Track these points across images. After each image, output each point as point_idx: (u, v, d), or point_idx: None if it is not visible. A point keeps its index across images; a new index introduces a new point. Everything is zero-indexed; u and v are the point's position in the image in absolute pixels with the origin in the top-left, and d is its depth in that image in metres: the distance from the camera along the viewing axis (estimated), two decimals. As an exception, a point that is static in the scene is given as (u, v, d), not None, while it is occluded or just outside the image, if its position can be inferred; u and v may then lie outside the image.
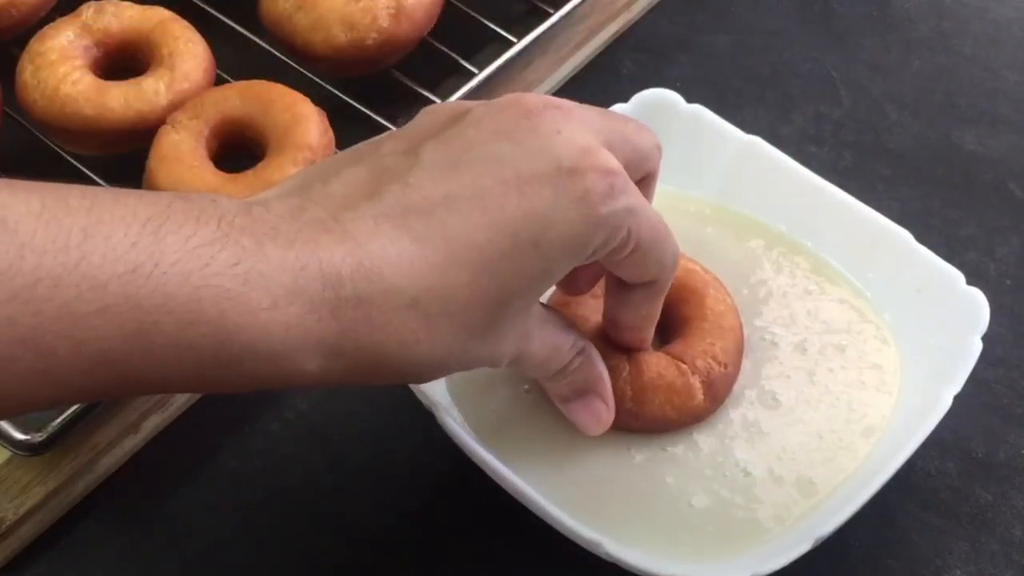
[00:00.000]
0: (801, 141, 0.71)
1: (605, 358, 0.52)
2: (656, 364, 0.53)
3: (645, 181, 0.49)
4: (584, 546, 0.50)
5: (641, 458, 0.54)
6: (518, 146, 0.44)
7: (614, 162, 0.45)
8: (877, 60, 0.75)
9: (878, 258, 0.59)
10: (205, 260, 0.39)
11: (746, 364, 0.56)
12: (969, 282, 0.56)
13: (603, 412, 0.52)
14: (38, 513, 0.56)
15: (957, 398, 0.53)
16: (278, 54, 0.69)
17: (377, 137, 0.46)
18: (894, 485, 0.52)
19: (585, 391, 0.51)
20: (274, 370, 0.41)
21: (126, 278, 0.38)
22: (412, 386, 0.53)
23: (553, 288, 0.54)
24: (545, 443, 0.55)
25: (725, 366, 0.54)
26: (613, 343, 0.53)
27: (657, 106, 0.62)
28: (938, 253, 0.58)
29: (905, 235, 0.58)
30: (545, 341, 0.48)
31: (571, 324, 0.50)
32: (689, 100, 0.63)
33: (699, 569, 0.51)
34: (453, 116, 0.46)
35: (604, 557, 0.49)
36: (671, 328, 0.56)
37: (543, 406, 0.55)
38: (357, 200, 0.42)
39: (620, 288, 0.51)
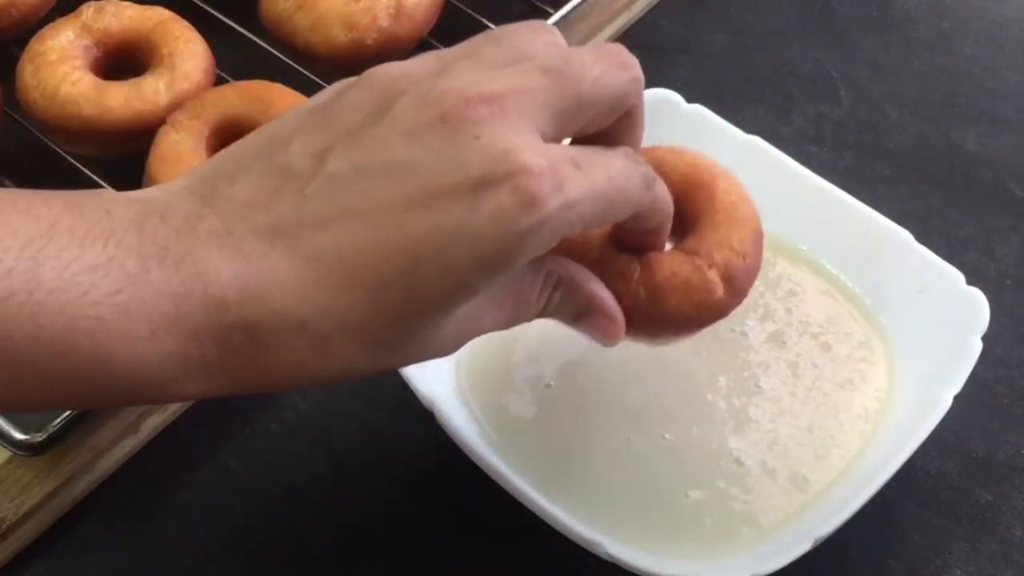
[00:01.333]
0: (801, 141, 0.71)
1: (611, 262, 0.48)
2: (669, 262, 0.49)
3: (625, 120, 0.44)
4: (584, 546, 0.50)
5: (639, 446, 0.54)
6: (430, 153, 0.40)
7: (538, 161, 0.40)
8: (877, 60, 0.75)
9: (878, 258, 0.59)
10: (85, 288, 0.38)
11: (718, 353, 0.57)
12: (969, 282, 0.56)
13: (609, 326, 0.47)
14: (38, 513, 0.56)
15: (957, 398, 0.53)
16: (278, 54, 0.69)
17: (303, 110, 0.43)
18: (894, 485, 0.52)
19: (582, 314, 0.47)
20: (151, 394, 0.40)
21: None
22: (412, 386, 0.53)
23: None
24: (544, 436, 0.55)
25: (744, 257, 0.50)
26: (626, 245, 0.49)
27: (657, 106, 0.62)
28: (938, 253, 0.58)
29: (905, 235, 0.58)
30: (503, 307, 0.44)
31: (532, 265, 0.44)
32: (689, 100, 0.63)
33: (699, 569, 0.51)
34: (378, 106, 0.42)
35: (604, 557, 0.49)
36: (683, 225, 0.50)
37: (543, 404, 0.56)
38: (254, 211, 0.40)
39: None
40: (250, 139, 0.43)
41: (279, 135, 0.42)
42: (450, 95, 0.41)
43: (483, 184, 0.39)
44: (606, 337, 0.47)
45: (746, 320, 0.58)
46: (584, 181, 0.41)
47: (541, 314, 0.46)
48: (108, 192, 0.41)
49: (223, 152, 0.43)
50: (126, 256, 0.39)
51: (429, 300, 0.41)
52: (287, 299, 0.40)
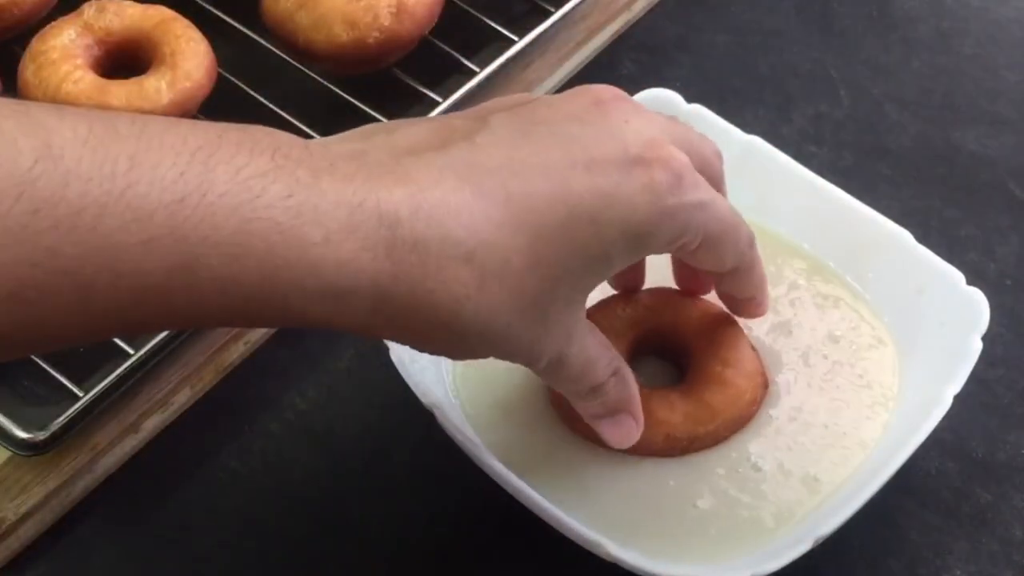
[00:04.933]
0: (801, 141, 0.71)
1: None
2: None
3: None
4: (585, 547, 0.50)
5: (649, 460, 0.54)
6: (588, 127, 0.44)
7: (682, 156, 0.45)
8: (877, 60, 0.75)
9: (878, 258, 0.59)
10: (256, 192, 0.38)
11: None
12: (969, 282, 0.56)
13: (633, 430, 0.51)
14: (38, 513, 0.56)
15: (957, 398, 0.53)
16: (280, 53, 0.69)
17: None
18: (894, 485, 0.52)
19: (616, 411, 0.50)
20: (321, 310, 0.40)
21: (172, 208, 0.37)
22: (412, 386, 0.53)
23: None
24: (549, 444, 0.55)
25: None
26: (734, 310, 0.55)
27: (657, 106, 0.62)
28: (938, 253, 0.58)
29: (905, 235, 0.59)
30: (584, 351, 0.47)
31: (609, 344, 0.49)
32: (689, 100, 0.63)
33: (699, 569, 0.51)
34: (521, 100, 0.46)
35: (605, 558, 0.49)
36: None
37: (544, 403, 0.56)
38: (422, 150, 0.42)
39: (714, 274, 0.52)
40: (386, 123, 0.45)
41: (427, 118, 0.45)
42: (597, 88, 0.46)
43: (639, 160, 0.44)
44: (624, 440, 0.51)
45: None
46: (712, 196, 0.46)
47: (592, 394, 0.49)
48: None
49: (370, 125, 0.45)
50: (295, 166, 0.39)
51: (576, 262, 0.43)
52: (457, 226, 0.41)
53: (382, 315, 0.41)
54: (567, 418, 0.54)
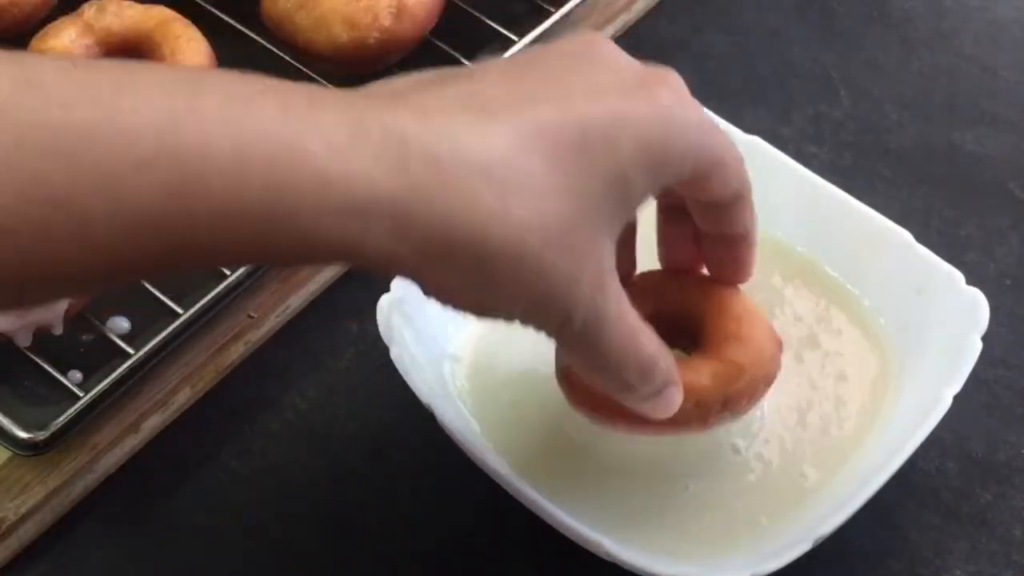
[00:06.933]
0: (801, 141, 0.71)
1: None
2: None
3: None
4: (584, 546, 0.50)
5: (641, 441, 0.54)
6: (583, 62, 0.43)
7: (679, 78, 0.44)
8: (877, 60, 0.75)
9: (878, 258, 0.59)
10: (252, 109, 0.37)
11: None
12: (969, 282, 0.56)
13: (677, 396, 0.47)
14: (38, 513, 0.56)
15: (957, 398, 0.53)
16: (280, 53, 0.69)
17: None
18: (894, 485, 0.52)
19: (663, 387, 0.46)
20: (336, 230, 0.37)
21: (164, 128, 0.36)
22: (411, 385, 0.53)
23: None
24: (545, 435, 0.55)
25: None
26: (714, 278, 0.52)
27: (657, 106, 0.62)
28: (938, 253, 0.58)
29: (905, 235, 0.59)
30: (624, 315, 0.43)
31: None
32: (689, 100, 0.63)
33: (699, 569, 0.51)
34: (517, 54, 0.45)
35: (604, 557, 0.49)
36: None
37: (543, 403, 0.56)
38: (423, 87, 0.41)
39: (709, 212, 0.49)
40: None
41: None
42: (584, 32, 0.47)
43: (640, 84, 0.43)
44: (670, 411, 0.47)
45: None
46: (708, 118, 0.45)
47: (636, 374, 0.45)
48: None
49: None
50: (290, 92, 0.38)
51: (596, 186, 0.41)
52: (470, 142, 0.39)
53: (406, 240, 0.38)
54: (577, 396, 0.50)
